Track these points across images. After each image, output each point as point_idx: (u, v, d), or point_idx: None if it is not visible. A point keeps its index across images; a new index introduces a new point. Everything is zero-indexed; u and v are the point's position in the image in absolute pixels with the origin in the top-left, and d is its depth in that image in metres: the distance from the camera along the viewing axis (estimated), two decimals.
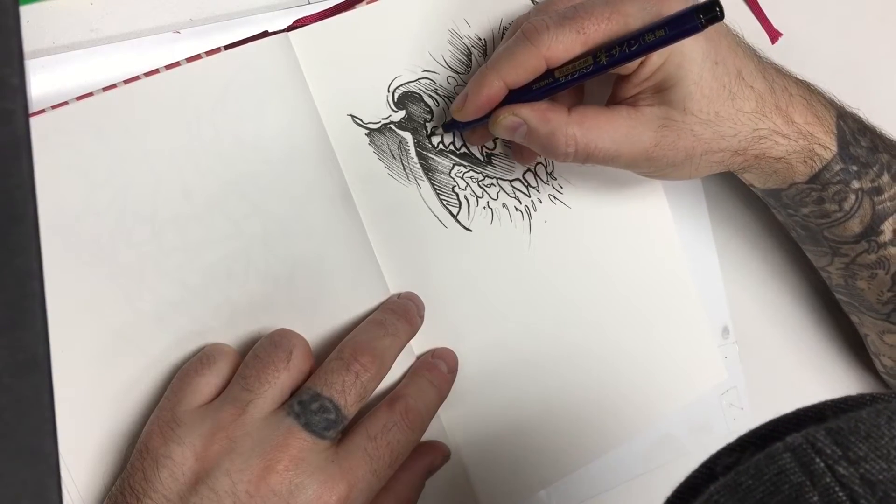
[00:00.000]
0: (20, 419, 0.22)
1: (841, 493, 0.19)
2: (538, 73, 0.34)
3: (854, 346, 0.51)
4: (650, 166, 0.36)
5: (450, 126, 0.39)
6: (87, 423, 0.33)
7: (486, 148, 0.40)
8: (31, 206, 0.23)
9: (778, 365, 0.49)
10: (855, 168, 0.38)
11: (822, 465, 0.19)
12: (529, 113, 0.35)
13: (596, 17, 0.33)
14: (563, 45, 0.33)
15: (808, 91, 0.38)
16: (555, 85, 0.34)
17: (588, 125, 0.34)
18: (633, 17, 0.33)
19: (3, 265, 0.22)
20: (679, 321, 0.45)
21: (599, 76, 0.34)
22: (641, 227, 0.43)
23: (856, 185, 0.38)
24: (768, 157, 0.37)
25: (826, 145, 0.37)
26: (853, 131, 0.39)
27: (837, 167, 0.38)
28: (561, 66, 0.34)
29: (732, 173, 0.39)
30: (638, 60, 0.34)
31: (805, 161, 0.37)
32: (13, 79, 0.23)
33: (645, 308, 0.43)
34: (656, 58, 0.34)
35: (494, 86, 0.34)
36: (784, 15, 0.45)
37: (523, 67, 0.34)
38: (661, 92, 0.35)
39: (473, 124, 0.37)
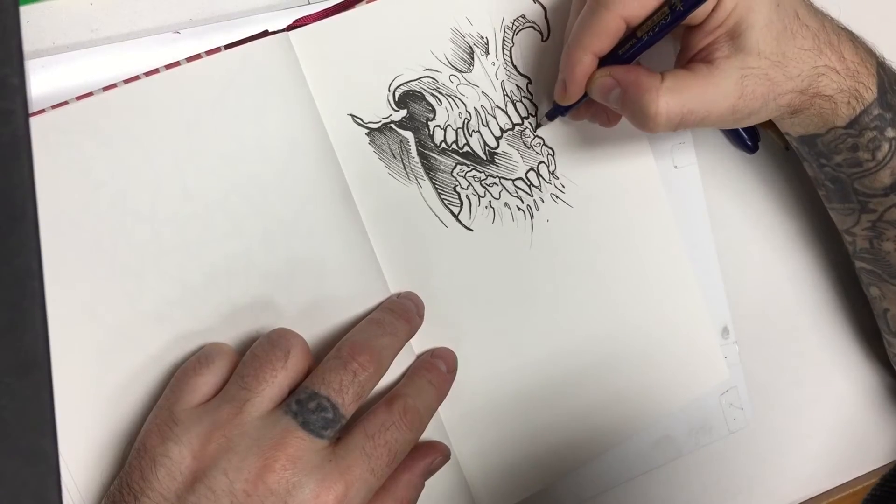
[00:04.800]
0: (20, 419, 0.22)
1: None
2: (620, 35, 0.35)
3: (855, 345, 0.51)
4: (732, 118, 0.36)
5: (554, 113, 0.40)
6: (87, 423, 0.33)
7: (490, 147, 0.40)
8: (31, 206, 0.23)
9: (778, 365, 0.49)
10: (890, 116, 0.39)
11: None
12: (624, 74, 0.35)
13: None
14: (638, 1, 0.33)
15: (852, 35, 0.39)
16: (639, 45, 0.35)
17: (678, 90, 0.34)
18: None
19: (3, 265, 0.22)
20: (680, 321, 0.44)
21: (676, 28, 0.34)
22: (642, 227, 0.43)
23: (890, 133, 0.39)
24: (822, 94, 0.37)
25: (869, 86, 0.38)
26: (890, 81, 0.39)
27: (876, 111, 0.38)
28: (641, 25, 0.34)
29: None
30: (713, 2, 0.34)
31: (849, 102, 0.38)
32: (13, 79, 0.23)
33: (646, 308, 0.43)
34: (729, 1, 0.34)
35: (585, 61, 0.35)
36: None
37: (604, 34, 0.34)
38: (735, 38, 0.35)
39: (577, 104, 0.38)
